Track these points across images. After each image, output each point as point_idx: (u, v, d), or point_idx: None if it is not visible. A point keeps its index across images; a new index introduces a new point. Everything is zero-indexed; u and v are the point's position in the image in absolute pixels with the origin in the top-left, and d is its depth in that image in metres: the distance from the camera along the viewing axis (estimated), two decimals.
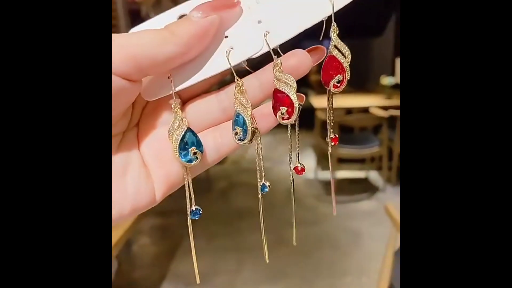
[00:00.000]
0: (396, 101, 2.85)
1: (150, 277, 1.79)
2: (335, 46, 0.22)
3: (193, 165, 0.22)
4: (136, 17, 2.90)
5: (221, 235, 2.05)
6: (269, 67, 0.22)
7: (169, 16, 0.23)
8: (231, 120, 0.22)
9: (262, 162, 0.24)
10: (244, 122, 0.21)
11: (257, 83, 0.22)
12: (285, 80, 0.21)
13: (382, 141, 2.52)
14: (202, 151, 0.22)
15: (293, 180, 0.25)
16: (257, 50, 0.22)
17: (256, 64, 0.23)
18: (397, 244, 1.19)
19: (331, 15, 0.21)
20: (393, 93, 3.03)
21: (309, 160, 2.98)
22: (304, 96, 0.22)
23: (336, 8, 0.21)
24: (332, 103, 0.24)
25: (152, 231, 2.18)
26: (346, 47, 0.22)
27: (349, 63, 0.22)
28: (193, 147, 0.21)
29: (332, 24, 0.22)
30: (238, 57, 0.22)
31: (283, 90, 0.21)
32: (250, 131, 0.22)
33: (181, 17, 0.22)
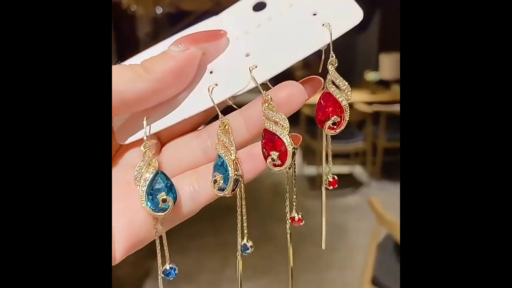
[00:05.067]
0: (380, 96, 2.88)
1: (133, 274, 1.77)
2: (333, 82, 0.19)
3: (163, 215, 0.18)
4: (117, 10, 2.83)
5: (206, 233, 2.04)
6: (257, 101, 0.19)
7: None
8: (212, 163, 0.19)
9: (245, 217, 0.21)
10: (226, 168, 0.18)
11: (243, 120, 0.19)
12: (276, 119, 0.18)
13: (366, 136, 2.54)
14: (174, 199, 0.18)
15: (290, 233, 0.22)
16: (243, 86, 0.19)
17: (246, 97, 0.21)
18: (380, 237, 1.21)
19: (329, 44, 0.19)
20: (377, 88, 3.05)
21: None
22: (300, 137, 0.20)
23: (335, 36, 0.19)
24: (329, 147, 0.21)
25: None
26: (346, 83, 0.19)
27: (348, 101, 0.19)
28: (163, 193, 0.18)
29: (330, 55, 0.19)
30: (223, 94, 0.19)
31: (273, 131, 0.18)
32: (233, 179, 0.18)
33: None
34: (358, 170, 2.84)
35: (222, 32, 0.19)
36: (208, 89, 0.19)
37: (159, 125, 0.20)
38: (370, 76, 3.06)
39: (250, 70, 0.19)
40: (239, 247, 0.21)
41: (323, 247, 0.25)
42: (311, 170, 2.79)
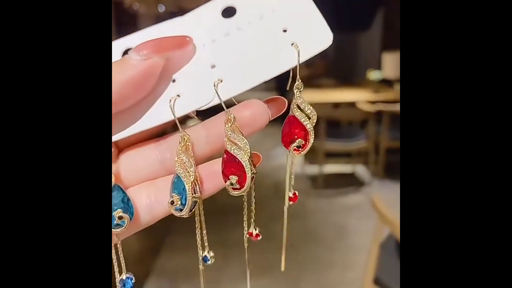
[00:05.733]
0: (383, 95, 2.87)
1: (134, 274, 1.77)
2: (298, 106, 0.19)
3: (120, 232, 0.18)
4: (119, 9, 2.83)
5: (206, 231, 2.04)
6: (221, 117, 0.18)
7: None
8: (170, 176, 0.19)
9: (205, 231, 0.21)
10: (184, 190, 0.18)
11: (205, 135, 0.19)
12: (237, 142, 0.18)
13: (369, 136, 2.53)
14: (131, 214, 0.18)
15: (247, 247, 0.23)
16: (207, 101, 0.18)
17: (211, 110, 0.20)
18: (382, 237, 1.20)
19: (297, 66, 0.18)
20: (380, 87, 3.04)
21: None
22: (260, 156, 0.19)
23: (303, 59, 0.18)
24: (292, 166, 0.22)
25: None
26: (311, 107, 0.19)
27: (313, 125, 0.19)
28: (119, 210, 0.17)
29: (297, 79, 0.19)
30: (185, 108, 0.18)
31: (233, 153, 0.18)
32: (191, 201, 0.18)
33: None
34: (360, 170, 2.83)
35: (188, 39, 0.18)
36: (170, 100, 0.18)
37: (116, 135, 0.19)
38: (373, 75, 3.05)
39: (215, 85, 0.18)
40: (200, 259, 0.22)
41: (282, 268, 0.25)
42: (312, 169, 2.78)
